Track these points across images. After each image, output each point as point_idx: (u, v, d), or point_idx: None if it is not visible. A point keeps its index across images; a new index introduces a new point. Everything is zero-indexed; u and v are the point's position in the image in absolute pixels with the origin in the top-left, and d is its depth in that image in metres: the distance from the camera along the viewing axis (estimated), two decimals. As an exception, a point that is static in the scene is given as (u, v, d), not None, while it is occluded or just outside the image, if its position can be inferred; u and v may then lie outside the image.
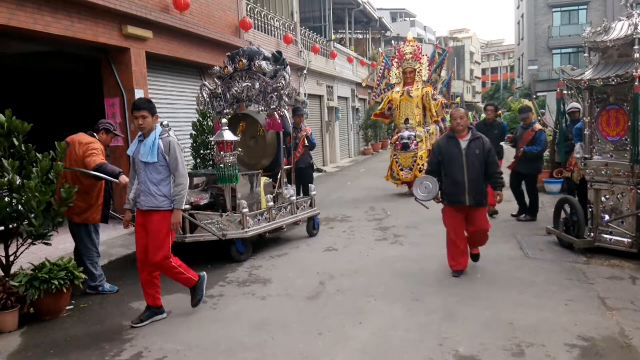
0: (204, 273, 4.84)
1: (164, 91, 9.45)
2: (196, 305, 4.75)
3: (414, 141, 11.01)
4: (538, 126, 8.06)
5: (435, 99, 11.35)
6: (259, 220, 6.49)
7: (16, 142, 4.60)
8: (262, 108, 7.02)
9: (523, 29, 43.54)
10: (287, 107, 6.99)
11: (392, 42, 17.74)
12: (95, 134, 5.44)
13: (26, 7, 6.24)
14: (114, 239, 7.26)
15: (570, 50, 39.39)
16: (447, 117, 14.08)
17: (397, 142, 11.19)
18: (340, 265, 6.06)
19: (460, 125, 5.28)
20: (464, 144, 5.26)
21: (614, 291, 4.87)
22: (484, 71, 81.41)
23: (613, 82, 5.68)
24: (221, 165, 6.12)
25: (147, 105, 4.36)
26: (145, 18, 8.12)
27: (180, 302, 4.98)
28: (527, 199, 8.20)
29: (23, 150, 4.66)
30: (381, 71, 12.25)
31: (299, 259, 6.47)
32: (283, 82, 6.71)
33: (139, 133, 4.44)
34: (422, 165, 10.70)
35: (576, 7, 39.46)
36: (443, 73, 13.01)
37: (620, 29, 5.80)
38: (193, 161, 8.88)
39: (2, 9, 5.90)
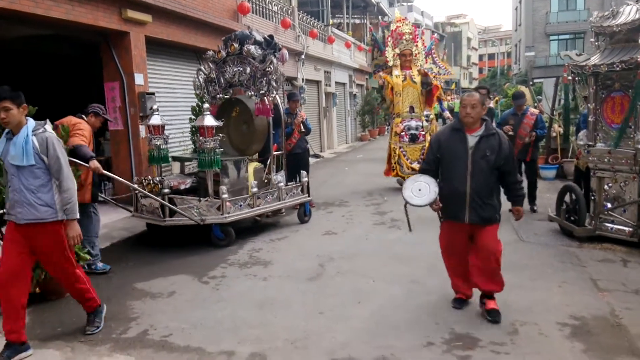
0: (104, 305, 4.21)
1: (163, 75, 9.47)
2: (93, 332, 3.96)
3: (422, 132, 10.01)
4: (534, 110, 7.92)
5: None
6: (240, 206, 6.42)
7: (21, 125, 4.65)
8: (253, 93, 6.95)
9: (521, 15, 43.40)
10: (278, 92, 6.95)
11: (391, 25, 17.48)
12: (84, 117, 5.51)
13: (27, -9, 6.24)
14: (115, 222, 7.35)
15: (567, 36, 39.37)
16: (446, 104, 13.51)
17: (404, 133, 10.02)
18: (340, 248, 6.18)
19: (471, 116, 3.90)
20: (472, 140, 3.93)
21: (605, 273, 5.01)
22: (481, 57, 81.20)
23: (618, 68, 5.62)
24: (202, 150, 6.10)
25: (9, 95, 3.53)
26: (145, 2, 8.11)
27: (184, 283, 5.10)
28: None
29: (28, 133, 4.71)
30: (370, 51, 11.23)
31: (299, 242, 6.59)
32: (272, 67, 6.71)
33: (6, 130, 3.65)
34: None
35: (574, -7, 39.31)
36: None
37: (628, 13, 5.72)
38: (193, 146, 8.92)
39: (3, -8, 5.91)
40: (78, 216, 3.76)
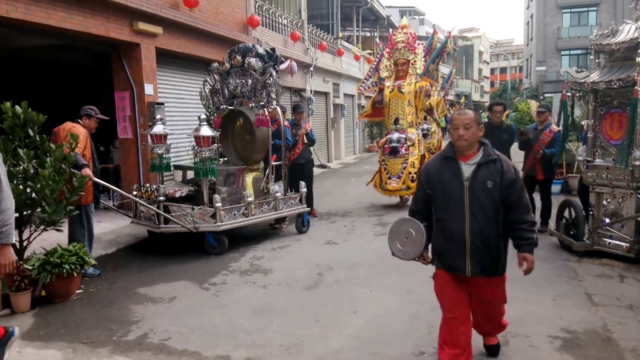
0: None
1: (172, 86, 9.69)
2: None
3: (404, 145, 9.27)
4: (555, 127, 7.52)
5: (428, 95, 9.47)
6: (234, 215, 6.51)
7: (31, 133, 4.84)
8: (254, 104, 7.11)
9: (532, 30, 43.51)
10: (278, 104, 7.08)
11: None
12: (79, 121, 5.68)
13: (41, 3, 6.47)
14: (121, 228, 7.50)
15: (579, 51, 39.35)
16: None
17: (386, 146, 9.49)
18: (340, 257, 6.27)
19: (465, 139, 3.10)
20: (467, 170, 3.12)
21: (601, 288, 5.04)
22: (492, 71, 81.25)
23: (615, 86, 5.70)
24: (198, 159, 6.24)
25: None
26: (156, 14, 8.35)
27: (185, 289, 5.21)
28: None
29: (38, 140, 4.89)
30: (375, 62, 10.44)
31: (300, 251, 6.69)
32: (271, 79, 6.89)
33: None
34: (415, 174, 9.10)
35: (586, 9, 39.43)
36: (442, 69, 11.11)
37: (627, 32, 5.82)
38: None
39: (19, 4, 6.15)
40: (13, 240, 3.21)
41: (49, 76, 11.09)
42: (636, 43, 5.59)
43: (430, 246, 3.30)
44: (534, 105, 18.81)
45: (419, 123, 9.69)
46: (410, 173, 9.24)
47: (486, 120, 7.38)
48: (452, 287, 3.25)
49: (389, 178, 9.41)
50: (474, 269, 3.14)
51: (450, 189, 3.15)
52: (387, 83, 9.64)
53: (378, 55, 10.51)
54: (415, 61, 9.57)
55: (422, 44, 9.96)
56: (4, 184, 3.01)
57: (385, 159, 9.56)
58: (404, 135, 9.30)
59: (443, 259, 3.26)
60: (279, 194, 7.10)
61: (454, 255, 3.18)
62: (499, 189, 3.08)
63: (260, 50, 7.12)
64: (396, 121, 9.45)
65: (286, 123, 7.74)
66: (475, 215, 3.09)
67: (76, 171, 5.19)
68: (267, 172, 7.32)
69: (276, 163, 7.46)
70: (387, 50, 9.91)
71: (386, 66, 9.84)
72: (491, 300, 3.36)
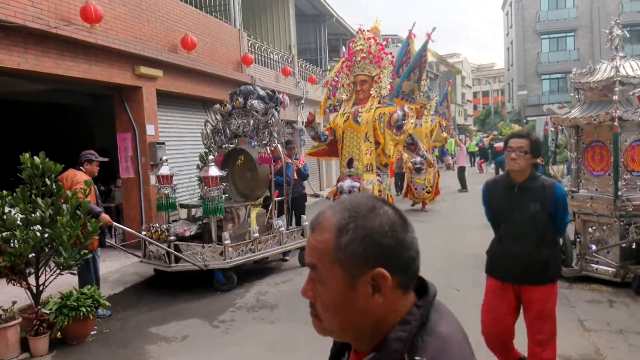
0: None
1: (172, 125, 9.97)
2: None
3: None
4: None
5: (399, 126, 6.15)
6: (242, 251, 6.76)
7: (48, 182, 5.07)
8: (256, 143, 7.45)
9: (512, 55, 44.76)
10: (280, 142, 7.43)
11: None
12: (81, 168, 5.88)
13: (50, 53, 6.76)
14: (126, 267, 7.66)
15: (558, 75, 40.51)
16: (450, 142, 10.02)
17: (336, 196, 6.52)
18: (342, 291, 6.49)
19: None
20: None
21: (592, 313, 5.33)
22: (475, 94, 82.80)
23: (595, 122, 6.12)
24: (206, 198, 6.51)
25: None
26: (156, 59, 8.67)
27: (196, 327, 5.40)
28: None
29: (54, 188, 5.12)
30: (331, 89, 7.36)
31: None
32: (273, 119, 7.25)
33: None
34: None
35: (564, 35, 40.73)
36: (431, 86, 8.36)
37: (604, 70, 6.28)
38: (200, 191, 9.33)
39: (29, 55, 6.43)
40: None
41: (44, 117, 11.27)
42: (612, 82, 6.03)
43: None
44: (517, 129, 19.42)
45: (385, 164, 6.59)
46: None
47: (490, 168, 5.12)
48: None
49: None
50: None
51: None
52: (344, 108, 6.72)
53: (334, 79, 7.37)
54: (380, 77, 6.51)
55: (392, 53, 6.94)
56: None
57: None
58: (357, 184, 6.34)
59: None
60: (282, 229, 7.36)
61: None
62: None
63: (262, 93, 7.49)
64: (350, 163, 6.51)
65: (290, 160, 8.04)
66: None
67: (93, 218, 5.40)
68: (270, 208, 7.59)
69: (278, 199, 7.73)
70: (347, 64, 6.80)
71: (343, 85, 6.82)
72: None
